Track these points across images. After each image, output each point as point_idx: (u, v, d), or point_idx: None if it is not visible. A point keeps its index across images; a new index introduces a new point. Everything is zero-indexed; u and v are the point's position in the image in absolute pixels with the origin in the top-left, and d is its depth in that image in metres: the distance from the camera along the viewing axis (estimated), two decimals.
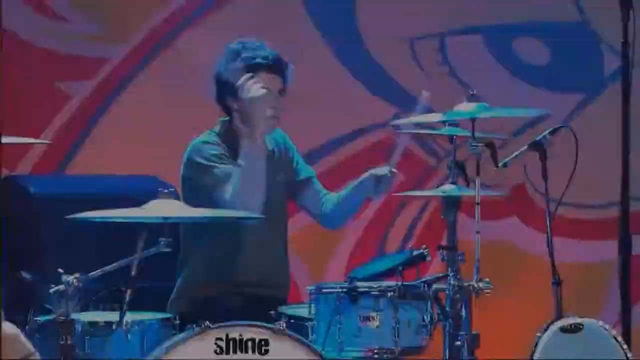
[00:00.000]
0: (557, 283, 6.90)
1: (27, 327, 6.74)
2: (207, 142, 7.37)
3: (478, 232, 7.03)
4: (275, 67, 7.43)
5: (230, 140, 7.44)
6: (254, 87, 7.24)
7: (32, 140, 7.73)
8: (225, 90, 7.42)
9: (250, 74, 7.26)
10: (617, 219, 7.16)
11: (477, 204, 7.04)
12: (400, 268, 7.12)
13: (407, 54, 8.82)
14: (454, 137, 7.29)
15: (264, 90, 7.24)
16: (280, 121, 7.51)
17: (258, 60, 7.40)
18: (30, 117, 8.09)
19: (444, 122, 7.41)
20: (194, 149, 7.36)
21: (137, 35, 8.74)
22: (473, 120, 7.09)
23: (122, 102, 8.68)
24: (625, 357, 6.23)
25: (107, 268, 6.62)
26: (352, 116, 8.64)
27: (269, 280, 7.43)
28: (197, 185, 7.27)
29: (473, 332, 7.05)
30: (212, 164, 7.26)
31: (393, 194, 8.69)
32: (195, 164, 7.31)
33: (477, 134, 7.10)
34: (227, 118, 7.46)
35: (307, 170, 7.66)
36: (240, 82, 7.32)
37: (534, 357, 6.09)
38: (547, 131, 7.02)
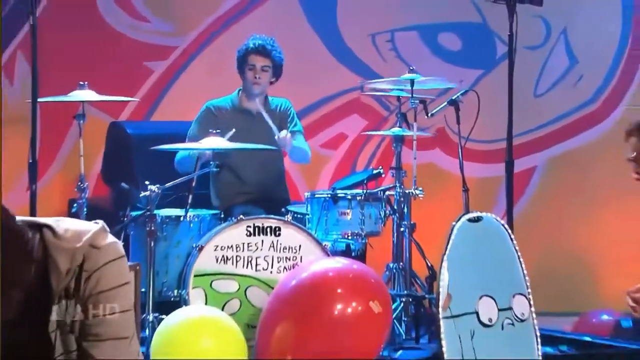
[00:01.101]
0: (466, 190, 6.94)
1: (125, 219, 6.75)
2: (208, 107, 7.38)
3: (415, 158, 7.08)
4: (260, 51, 7.25)
5: (243, 99, 7.39)
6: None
7: (128, 98, 7.73)
8: (238, 65, 7.37)
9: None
10: (504, 149, 7.22)
11: (414, 140, 7.10)
12: (365, 181, 7.17)
13: (369, 43, 8.74)
14: (400, 97, 7.26)
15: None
16: (280, 87, 7.51)
17: (249, 44, 7.28)
18: (127, 83, 8.03)
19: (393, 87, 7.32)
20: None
21: (195, 30, 8.62)
22: (412, 86, 7.11)
23: (186, 74, 8.58)
24: (510, 238, 6.18)
25: (177, 181, 6.76)
26: (330, 83, 8.60)
27: (272, 191, 7.40)
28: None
29: (412, 222, 7.04)
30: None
31: (361, 133, 8.77)
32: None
33: (414, 95, 7.13)
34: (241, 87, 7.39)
35: (298, 126, 7.50)
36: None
37: (451, 238, 5.91)
38: (460, 93, 7.04)
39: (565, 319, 8.12)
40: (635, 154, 4.37)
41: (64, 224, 3.27)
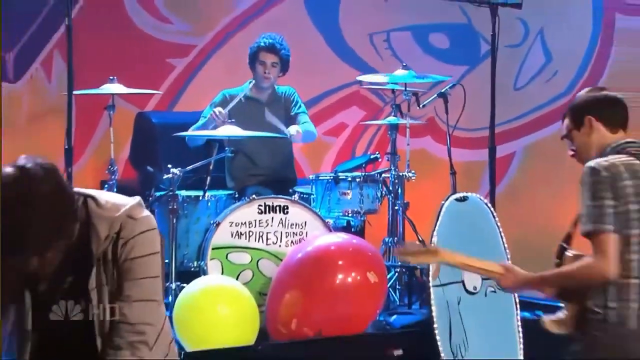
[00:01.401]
0: (453, 173, 6.92)
1: (150, 198, 6.75)
2: (224, 94, 7.34)
3: (408, 144, 7.18)
4: (270, 48, 7.21)
5: (254, 90, 7.35)
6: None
7: (152, 91, 7.74)
8: (250, 61, 7.34)
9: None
10: (487, 137, 7.21)
11: (408, 128, 7.17)
12: (364, 165, 7.19)
13: (367, 42, 8.73)
14: (394, 90, 7.25)
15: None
16: (287, 81, 7.49)
17: (260, 42, 7.26)
18: (151, 78, 8.01)
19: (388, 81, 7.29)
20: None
21: (213, 31, 8.62)
22: (405, 81, 7.15)
23: (204, 70, 8.58)
24: (492, 216, 6.22)
25: (196, 164, 6.77)
26: (332, 77, 8.60)
27: (280, 173, 7.39)
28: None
29: (405, 201, 7.05)
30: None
31: (360, 123, 8.76)
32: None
33: (407, 88, 7.17)
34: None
35: (302, 108, 7.46)
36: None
37: (440, 215, 6.00)
38: (448, 86, 7.02)
39: None
40: (566, 132, 4.41)
41: (106, 196, 3.35)
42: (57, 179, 3.12)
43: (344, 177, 7.04)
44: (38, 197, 3.07)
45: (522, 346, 6.05)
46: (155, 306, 3.35)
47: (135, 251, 3.29)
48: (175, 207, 6.56)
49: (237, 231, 6.52)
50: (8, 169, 3.06)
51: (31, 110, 8.27)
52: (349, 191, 6.99)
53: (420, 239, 6.45)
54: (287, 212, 6.60)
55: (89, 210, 3.28)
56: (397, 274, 6.87)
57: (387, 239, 7.12)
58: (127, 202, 3.35)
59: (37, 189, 3.07)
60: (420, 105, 7.21)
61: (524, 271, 4.30)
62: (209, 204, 6.80)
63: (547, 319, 4.27)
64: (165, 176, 6.65)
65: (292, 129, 7.21)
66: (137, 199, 3.40)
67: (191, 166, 6.77)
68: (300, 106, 7.46)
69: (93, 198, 3.31)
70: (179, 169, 6.61)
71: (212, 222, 6.59)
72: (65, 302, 3.33)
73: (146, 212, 3.38)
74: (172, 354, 3.53)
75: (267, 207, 6.58)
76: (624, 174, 3.99)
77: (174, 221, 6.54)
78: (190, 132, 7.11)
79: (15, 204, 3.04)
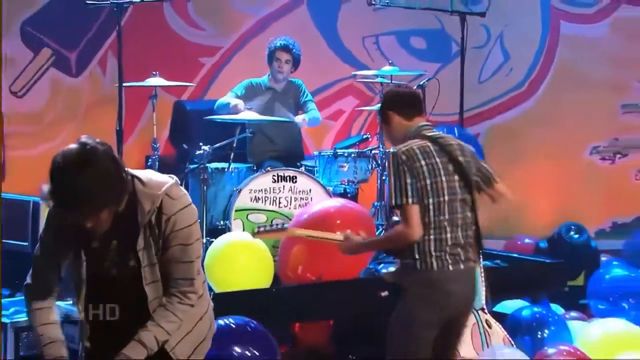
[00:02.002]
0: None
1: (185, 170, 6.76)
2: (250, 81, 7.30)
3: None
4: (284, 48, 7.21)
5: (272, 81, 7.32)
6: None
7: (187, 83, 7.71)
8: (267, 58, 7.31)
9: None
10: (457, 120, 7.19)
11: None
12: (357, 143, 7.19)
13: (360, 44, 8.70)
14: (382, 82, 7.19)
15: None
16: (297, 75, 7.43)
17: (276, 43, 7.24)
18: (186, 73, 7.97)
19: (377, 75, 7.28)
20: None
21: (236, 34, 8.57)
22: (391, 75, 7.14)
23: (228, 67, 8.53)
24: None
25: (222, 143, 6.78)
26: (332, 73, 8.55)
27: (291, 150, 7.33)
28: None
29: None
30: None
31: (354, 109, 8.70)
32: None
33: (393, 81, 7.11)
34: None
35: (308, 96, 7.42)
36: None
37: None
38: (425, 80, 6.93)
39: (499, 241, 8.17)
40: (379, 125, 4.66)
41: (149, 175, 3.39)
42: (111, 154, 3.18)
43: (342, 153, 7.04)
44: (96, 167, 3.11)
45: (484, 289, 6.01)
46: (197, 264, 3.43)
47: (178, 225, 3.33)
48: (205, 177, 6.56)
49: (255, 196, 6.52)
50: (72, 145, 3.13)
51: (89, 100, 8.26)
52: (345, 164, 7.00)
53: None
54: (296, 181, 6.60)
55: (135, 188, 3.32)
56: (384, 230, 6.83)
57: (376, 203, 7.10)
58: (167, 181, 3.39)
59: (95, 161, 3.11)
60: None
61: (358, 237, 4.40)
62: (233, 174, 6.78)
63: (385, 272, 4.83)
64: (197, 152, 6.67)
65: (299, 118, 7.24)
66: (174, 179, 3.43)
67: (218, 144, 6.76)
68: (307, 95, 7.42)
69: (138, 178, 3.34)
70: (209, 146, 6.63)
71: (235, 189, 6.58)
72: (114, 259, 3.38)
73: (182, 191, 3.43)
74: (211, 309, 3.67)
75: (279, 177, 6.58)
76: (418, 156, 4.18)
77: (205, 189, 6.54)
78: (216, 117, 7.06)
79: (77, 173, 3.08)
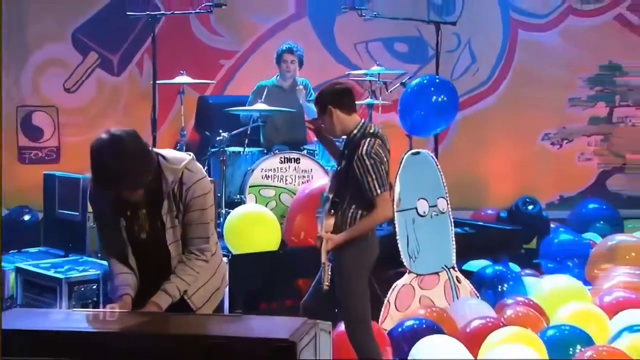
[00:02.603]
0: (409, 136, 6.70)
1: (208, 154, 6.74)
2: (258, 86, 7.16)
3: (379, 115, 7.08)
4: (289, 51, 7.14)
5: (280, 80, 7.21)
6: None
7: (209, 81, 7.70)
8: (276, 60, 7.21)
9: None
10: None
11: (380, 105, 7.07)
12: None
13: (353, 49, 8.64)
14: (371, 80, 7.13)
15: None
16: (300, 74, 7.31)
17: (283, 47, 7.18)
18: (208, 73, 7.93)
19: (366, 74, 7.21)
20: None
21: (249, 41, 8.53)
22: (379, 74, 7.08)
23: (243, 68, 8.47)
24: (436, 164, 6.09)
25: (238, 130, 6.76)
26: (329, 72, 8.42)
27: (295, 136, 7.19)
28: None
29: None
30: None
31: None
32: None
33: (380, 80, 7.07)
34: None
35: (312, 96, 7.14)
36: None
37: (401, 164, 5.91)
38: (406, 78, 6.83)
39: (467, 211, 8.17)
40: (318, 117, 4.59)
41: (170, 152, 3.42)
42: (136, 138, 3.20)
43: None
44: (124, 150, 3.13)
45: (454, 251, 6.01)
46: (212, 225, 3.45)
47: (196, 193, 3.35)
48: (224, 159, 6.52)
49: (266, 174, 6.48)
50: (103, 135, 3.17)
51: (129, 95, 8.30)
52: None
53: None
54: (299, 162, 6.55)
55: (160, 163, 3.33)
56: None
57: None
58: (185, 157, 3.41)
59: (123, 144, 3.14)
60: (388, 91, 7.12)
61: (336, 236, 4.28)
62: (247, 156, 6.73)
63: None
64: (218, 138, 6.64)
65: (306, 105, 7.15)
66: (191, 155, 3.45)
67: (235, 131, 6.73)
68: (311, 94, 7.28)
69: (162, 155, 3.36)
70: (227, 133, 6.61)
71: (249, 168, 6.53)
72: (144, 224, 3.40)
73: (199, 165, 3.45)
74: (223, 264, 3.67)
75: (285, 159, 6.53)
76: (385, 152, 4.28)
77: (224, 168, 6.50)
78: (233, 109, 7.00)
79: (110, 157, 3.12)
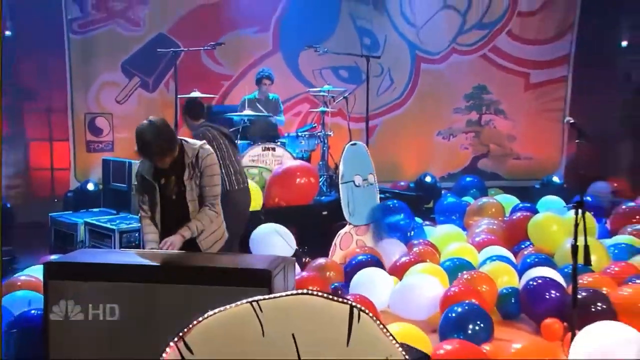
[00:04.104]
0: (350, 132, 6.68)
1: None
2: (243, 100, 6.93)
3: (329, 118, 7.00)
4: (266, 75, 6.94)
5: (259, 95, 7.01)
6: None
7: (212, 95, 7.48)
8: (256, 81, 7.02)
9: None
10: (365, 116, 7.03)
11: (330, 112, 6.95)
12: (309, 128, 7.01)
13: (311, 73, 8.49)
14: (324, 95, 6.96)
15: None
16: (273, 90, 7.08)
17: (261, 72, 7.02)
18: (212, 90, 7.69)
19: (320, 90, 7.04)
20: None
21: (240, 68, 8.36)
22: (328, 90, 6.92)
23: (237, 87, 8.28)
24: (366, 152, 5.99)
25: (232, 129, 6.55)
26: (294, 90, 8.38)
27: (271, 133, 6.91)
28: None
29: (328, 145, 6.75)
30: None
31: (308, 110, 8.44)
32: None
33: (330, 95, 6.94)
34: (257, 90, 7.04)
35: (281, 108, 7.05)
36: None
37: (344, 151, 5.79)
38: (347, 93, 6.75)
39: (387, 183, 8.09)
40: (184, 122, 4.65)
41: (190, 139, 3.46)
42: (166, 123, 3.29)
43: (301, 135, 6.85)
44: (158, 130, 3.23)
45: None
46: (219, 188, 3.46)
47: (207, 162, 3.39)
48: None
49: (252, 159, 6.35)
50: (144, 121, 3.26)
51: (160, 106, 8.13)
52: (302, 140, 6.82)
53: (335, 163, 6.09)
54: (275, 150, 6.43)
55: (182, 144, 3.40)
56: (325, 178, 6.72)
57: (320, 162, 6.86)
58: (199, 142, 3.47)
59: (157, 126, 3.24)
60: (336, 102, 7.07)
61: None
62: (239, 146, 6.55)
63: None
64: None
65: (274, 119, 6.93)
66: (203, 141, 3.51)
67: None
68: (280, 108, 7.11)
69: (184, 139, 3.44)
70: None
71: (240, 155, 6.35)
72: (173, 187, 3.39)
73: (208, 146, 3.49)
74: (223, 225, 3.62)
75: (265, 148, 6.42)
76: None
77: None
78: (230, 114, 6.83)
79: (149, 135, 3.20)
